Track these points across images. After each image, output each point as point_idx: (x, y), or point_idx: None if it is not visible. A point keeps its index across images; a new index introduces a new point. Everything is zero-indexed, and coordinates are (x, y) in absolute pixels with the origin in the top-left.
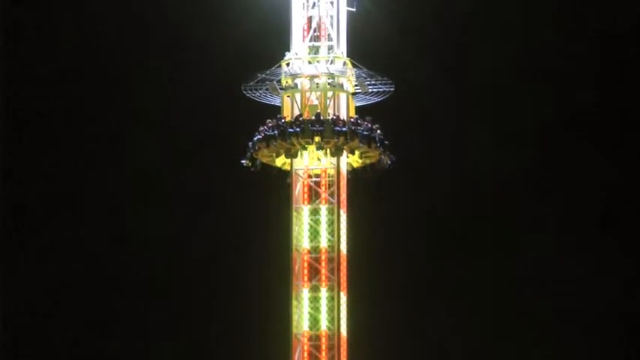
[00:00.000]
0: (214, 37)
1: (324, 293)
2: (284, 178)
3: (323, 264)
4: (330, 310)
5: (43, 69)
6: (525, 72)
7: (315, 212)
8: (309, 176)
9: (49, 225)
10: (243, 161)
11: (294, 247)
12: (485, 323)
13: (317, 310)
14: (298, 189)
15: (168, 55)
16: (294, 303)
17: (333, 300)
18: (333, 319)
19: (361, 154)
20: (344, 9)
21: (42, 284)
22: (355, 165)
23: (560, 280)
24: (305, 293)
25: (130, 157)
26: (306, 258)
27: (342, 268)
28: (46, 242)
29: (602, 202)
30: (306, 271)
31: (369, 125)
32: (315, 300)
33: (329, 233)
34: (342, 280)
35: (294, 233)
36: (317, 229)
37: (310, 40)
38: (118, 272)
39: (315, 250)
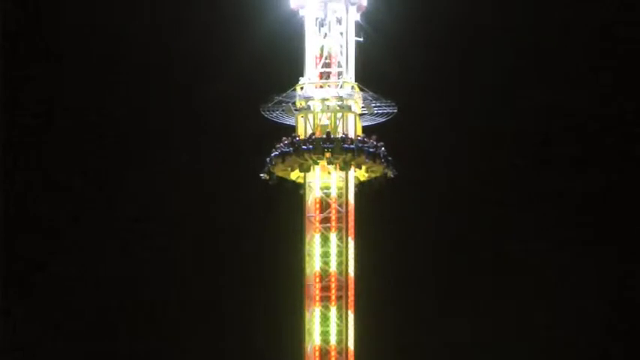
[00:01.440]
0: (233, 64)
1: None
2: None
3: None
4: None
5: (49, 70)
6: (528, 85)
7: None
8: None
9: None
10: (261, 175)
11: None
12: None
13: None
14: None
15: (189, 72)
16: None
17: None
18: None
19: (367, 168)
20: (352, 39)
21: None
22: (362, 178)
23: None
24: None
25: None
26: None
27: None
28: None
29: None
30: None
31: (375, 143)
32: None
33: None
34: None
35: None
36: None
37: (322, 67)
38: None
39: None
